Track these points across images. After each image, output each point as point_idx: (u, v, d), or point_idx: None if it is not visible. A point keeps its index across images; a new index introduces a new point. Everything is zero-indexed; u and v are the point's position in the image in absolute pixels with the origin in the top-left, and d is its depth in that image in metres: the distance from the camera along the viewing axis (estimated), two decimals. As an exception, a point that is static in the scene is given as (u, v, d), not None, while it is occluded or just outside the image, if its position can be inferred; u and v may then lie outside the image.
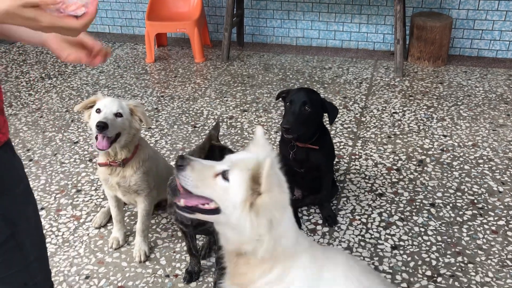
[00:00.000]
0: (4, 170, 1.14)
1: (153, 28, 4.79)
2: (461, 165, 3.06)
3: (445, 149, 3.24)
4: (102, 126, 2.03)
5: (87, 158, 3.27)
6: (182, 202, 1.37)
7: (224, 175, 1.32)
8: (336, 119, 3.64)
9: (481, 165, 3.05)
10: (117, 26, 5.78)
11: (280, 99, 2.44)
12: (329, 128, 3.48)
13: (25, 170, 1.53)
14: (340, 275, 1.44)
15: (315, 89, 4.13)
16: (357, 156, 3.20)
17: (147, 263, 2.39)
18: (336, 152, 3.21)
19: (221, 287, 2.10)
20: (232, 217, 1.31)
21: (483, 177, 2.93)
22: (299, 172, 2.49)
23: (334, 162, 3.09)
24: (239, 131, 3.53)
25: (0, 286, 1.22)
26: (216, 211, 1.34)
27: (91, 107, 2.20)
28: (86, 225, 2.66)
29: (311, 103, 2.26)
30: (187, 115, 3.80)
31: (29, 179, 1.38)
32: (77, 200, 2.86)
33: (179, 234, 2.56)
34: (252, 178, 1.29)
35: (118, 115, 2.13)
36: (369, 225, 2.58)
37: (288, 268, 1.39)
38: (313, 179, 2.58)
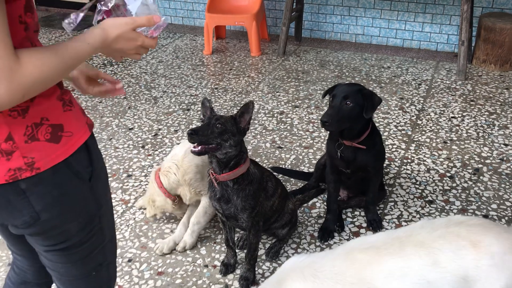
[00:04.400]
0: (96, 156, 1.22)
1: (212, 20, 4.84)
2: (522, 177, 2.88)
3: (505, 158, 3.07)
4: None
5: (140, 145, 3.37)
6: None
7: None
8: (390, 121, 3.53)
9: (543, 179, 2.86)
10: (179, 17, 5.90)
11: (328, 96, 2.38)
12: (381, 129, 3.39)
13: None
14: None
15: (372, 88, 4.04)
16: (409, 160, 3.09)
17: (188, 251, 2.43)
18: (387, 154, 3.12)
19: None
20: None
21: (545, 192, 2.75)
22: (345, 173, 2.44)
23: (384, 165, 3.01)
24: (288, 127, 3.51)
25: (80, 267, 1.28)
26: None
27: None
28: (134, 209, 2.75)
29: (353, 97, 2.19)
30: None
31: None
32: (127, 185, 2.96)
33: (221, 225, 2.58)
34: None
35: None
36: (415, 233, 2.49)
37: None
38: (360, 180, 2.52)
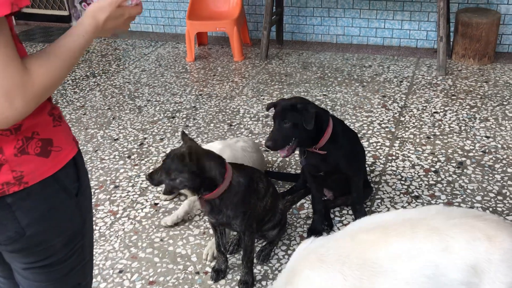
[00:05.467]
0: (82, 172, 1.23)
1: (193, 27, 4.86)
2: (504, 168, 2.93)
3: (487, 150, 3.12)
4: None
5: (126, 155, 3.37)
6: None
7: None
8: (374, 119, 3.57)
9: (525, 169, 2.92)
10: (160, 25, 5.90)
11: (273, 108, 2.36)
12: (365, 127, 3.42)
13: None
14: None
15: (354, 88, 4.08)
16: (393, 157, 3.13)
17: (178, 259, 2.44)
18: (372, 152, 3.16)
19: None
20: None
21: (527, 181, 2.80)
22: (320, 175, 2.47)
23: (369, 163, 3.05)
24: (274, 130, 3.53)
25: (58, 286, 1.26)
26: None
27: None
28: (122, 220, 2.74)
29: (289, 116, 2.23)
30: (223, 113, 3.84)
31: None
32: (115, 196, 2.95)
33: (211, 231, 2.59)
34: None
35: None
36: (402, 228, 2.52)
37: None
38: (340, 181, 2.55)
